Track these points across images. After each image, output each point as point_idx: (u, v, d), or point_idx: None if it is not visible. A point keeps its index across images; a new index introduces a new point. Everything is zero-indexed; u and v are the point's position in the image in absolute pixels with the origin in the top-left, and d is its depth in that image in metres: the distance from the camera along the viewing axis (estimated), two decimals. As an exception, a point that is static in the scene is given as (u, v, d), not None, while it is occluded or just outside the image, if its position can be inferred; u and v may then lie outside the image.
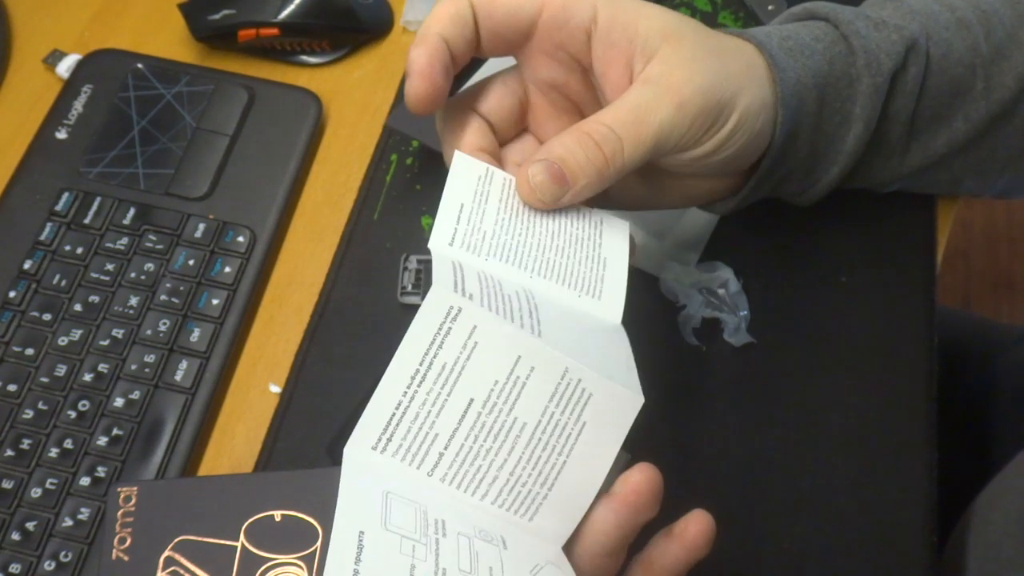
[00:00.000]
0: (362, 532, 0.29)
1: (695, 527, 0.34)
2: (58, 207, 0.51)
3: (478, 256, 0.36)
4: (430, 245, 0.35)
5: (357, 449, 0.32)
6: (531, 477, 0.33)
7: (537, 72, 0.39)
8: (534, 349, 0.32)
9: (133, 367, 0.47)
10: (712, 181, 0.42)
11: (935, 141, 0.46)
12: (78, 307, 0.48)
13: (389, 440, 0.32)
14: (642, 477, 0.33)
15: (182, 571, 0.32)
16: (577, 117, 0.41)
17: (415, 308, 0.34)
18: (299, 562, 0.33)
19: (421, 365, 0.32)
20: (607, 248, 0.38)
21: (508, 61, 0.41)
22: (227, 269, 0.50)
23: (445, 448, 0.32)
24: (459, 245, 0.36)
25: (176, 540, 0.33)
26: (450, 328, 0.31)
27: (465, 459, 0.32)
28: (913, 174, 0.47)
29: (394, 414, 0.32)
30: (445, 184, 0.37)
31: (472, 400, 0.32)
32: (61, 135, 0.54)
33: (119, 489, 0.34)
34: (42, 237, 0.50)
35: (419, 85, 0.36)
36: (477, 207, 0.37)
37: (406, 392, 0.32)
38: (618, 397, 0.33)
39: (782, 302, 0.50)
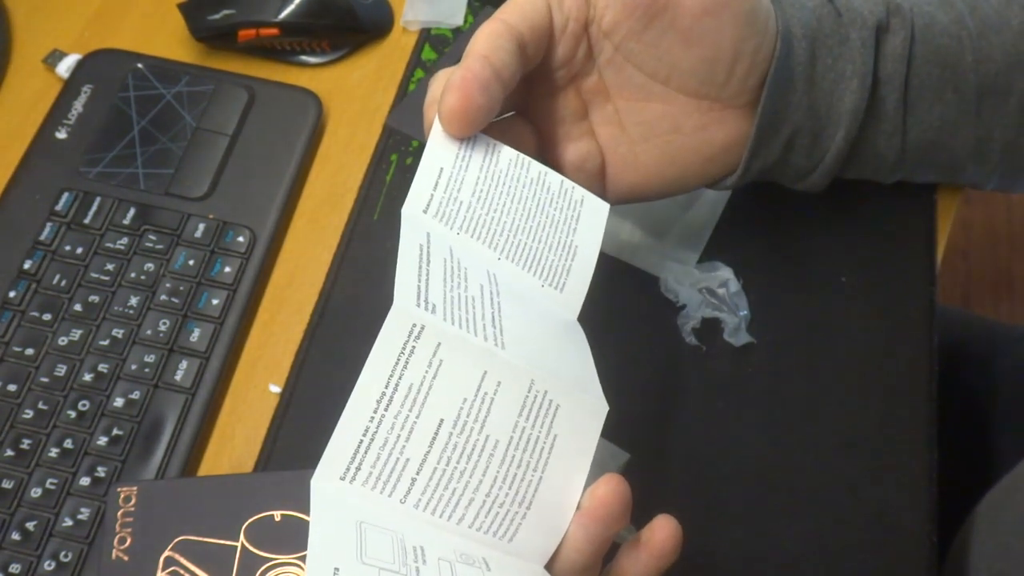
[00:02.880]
0: (337, 569, 0.28)
1: (661, 534, 0.33)
2: (58, 207, 0.51)
3: (450, 229, 0.35)
4: (403, 211, 0.34)
5: (325, 481, 0.30)
6: (508, 496, 0.32)
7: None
8: (499, 362, 0.31)
9: (133, 367, 0.47)
10: (729, 123, 0.42)
11: (930, 115, 0.46)
12: (78, 307, 0.48)
13: (358, 469, 0.30)
14: (608, 489, 0.32)
15: (182, 571, 0.33)
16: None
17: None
18: (299, 562, 0.33)
19: (387, 388, 0.30)
20: (581, 234, 0.37)
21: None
22: (227, 269, 0.50)
23: (417, 473, 0.31)
24: (433, 214, 0.35)
25: (176, 540, 0.33)
26: (414, 347, 0.30)
27: (439, 483, 0.31)
28: (914, 154, 0.47)
29: (361, 441, 0.30)
30: (428, 139, 0.36)
31: (442, 421, 0.31)
32: (61, 135, 0.54)
33: (119, 489, 0.34)
34: (42, 237, 0.50)
35: (452, 99, 0.35)
36: (457, 174, 0.36)
37: (372, 417, 0.30)
38: (584, 406, 0.32)
39: (782, 302, 0.50)
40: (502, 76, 0.36)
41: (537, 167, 0.38)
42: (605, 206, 0.39)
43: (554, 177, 0.38)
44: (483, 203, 0.36)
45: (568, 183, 0.38)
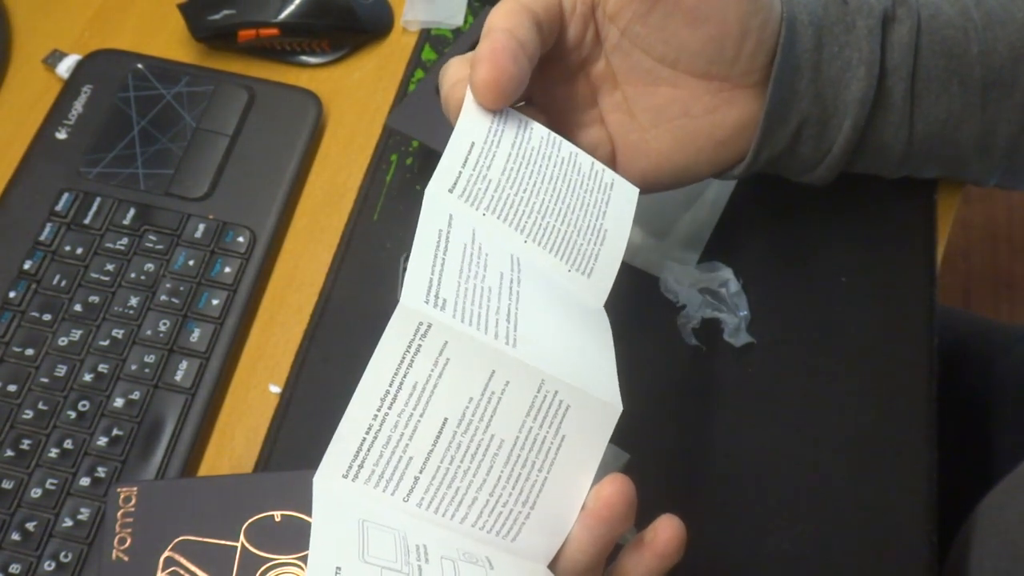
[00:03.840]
0: (339, 568, 0.28)
1: (664, 534, 0.33)
2: (58, 207, 0.51)
3: (476, 209, 0.34)
4: (428, 190, 0.33)
5: (327, 479, 0.30)
6: (512, 496, 0.31)
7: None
8: (509, 362, 0.31)
9: (133, 367, 0.47)
10: (739, 103, 0.42)
11: (937, 107, 0.46)
12: (78, 307, 0.48)
13: (360, 467, 0.30)
14: (614, 490, 0.32)
15: (182, 571, 0.33)
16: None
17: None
18: (299, 562, 0.33)
19: (391, 386, 0.30)
20: (610, 219, 0.37)
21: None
22: (227, 269, 0.50)
23: (420, 471, 0.31)
24: (459, 193, 0.34)
25: (176, 540, 0.33)
26: (420, 345, 0.30)
27: (442, 482, 0.31)
28: (921, 147, 0.47)
29: (364, 439, 0.30)
30: (459, 116, 0.35)
31: (446, 419, 0.30)
32: (61, 135, 0.54)
33: (119, 489, 0.34)
34: (42, 237, 0.50)
35: (483, 70, 0.34)
36: (488, 150, 0.35)
37: (376, 415, 0.30)
38: (596, 407, 0.32)
39: (782, 302, 0.50)
40: (527, 49, 0.36)
41: (568, 147, 0.37)
42: (635, 191, 0.38)
43: (585, 158, 0.37)
44: (512, 182, 0.35)
45: (599, 165, 0.38)
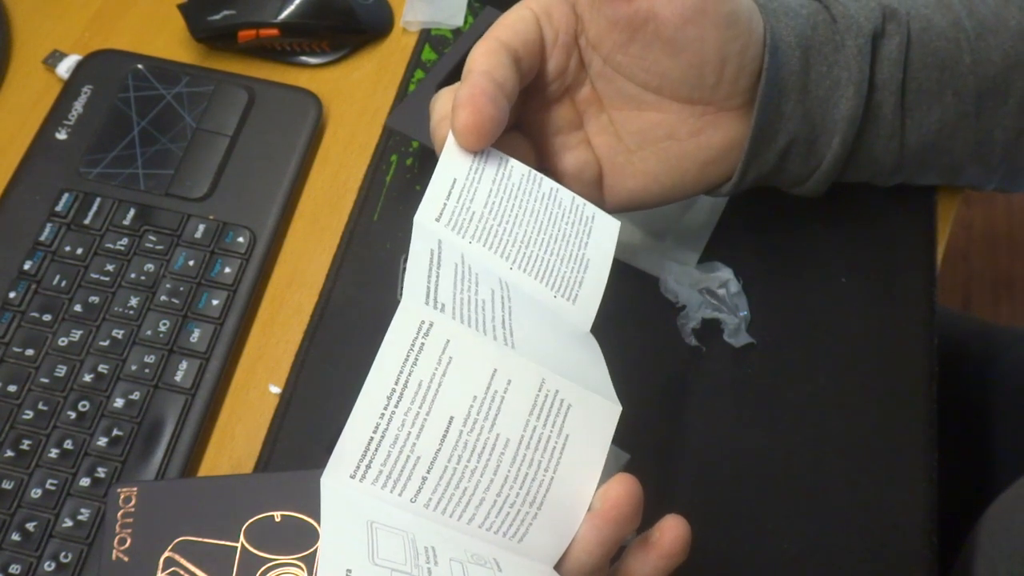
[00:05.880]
0: (349, 570, 0.28)
1: (670, 534, 0.33)
2: (58, 207, 0.51)
3: (462, 237, 0.35)
4: (415, 218, 0.35)
5: (335, 478, 0.30)
6: (519, 496, 0.31)
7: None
8: (509, 360, 0.31)
9: (133, 368, 0.47)
10: (724, 126, 0.42)
11: (929, 118, 0.46)
12: (78, 308, 0.48)
13: (368, 467, 0.30)
14: (622, 490, 0.32)
15: (182, 572, 0.32)
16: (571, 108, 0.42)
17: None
18: (299, 563, 0.33)
19: (397, 384, 0.30)
20: (592, 249, 0.38)
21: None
22: (227, 270, 0.50)
23: (428, 471, 0.31)
24: (445, 222, 0.35)
25: (176, 541, 0.33)
26: (423, 343, 0.30)
27: (450, 482, 0.31)
28: (913, 157, 0.47)
29: (372, 438, 0.30)
30: (440, 154, 0.36)
31: (452, 418, 0.31)
32: (61, 136, 0.54)
33: (119, 490, 0.34)
34: (42, 238, 0.50)
35: (464, 115, 0.35)
36: (469, 185, 0.36)
37: (383, 414, 0.30)
38: (597, 407, 0.32)
39: (782, 302, 0.50)
40: (505, 89, 0.36)
41: (549, 183, 0.38)
42: (616, 223, 0.39)
43: (565, 193, 0.38)
44: (495, 214, 0.36)
45: (579, 200, 0.39)
